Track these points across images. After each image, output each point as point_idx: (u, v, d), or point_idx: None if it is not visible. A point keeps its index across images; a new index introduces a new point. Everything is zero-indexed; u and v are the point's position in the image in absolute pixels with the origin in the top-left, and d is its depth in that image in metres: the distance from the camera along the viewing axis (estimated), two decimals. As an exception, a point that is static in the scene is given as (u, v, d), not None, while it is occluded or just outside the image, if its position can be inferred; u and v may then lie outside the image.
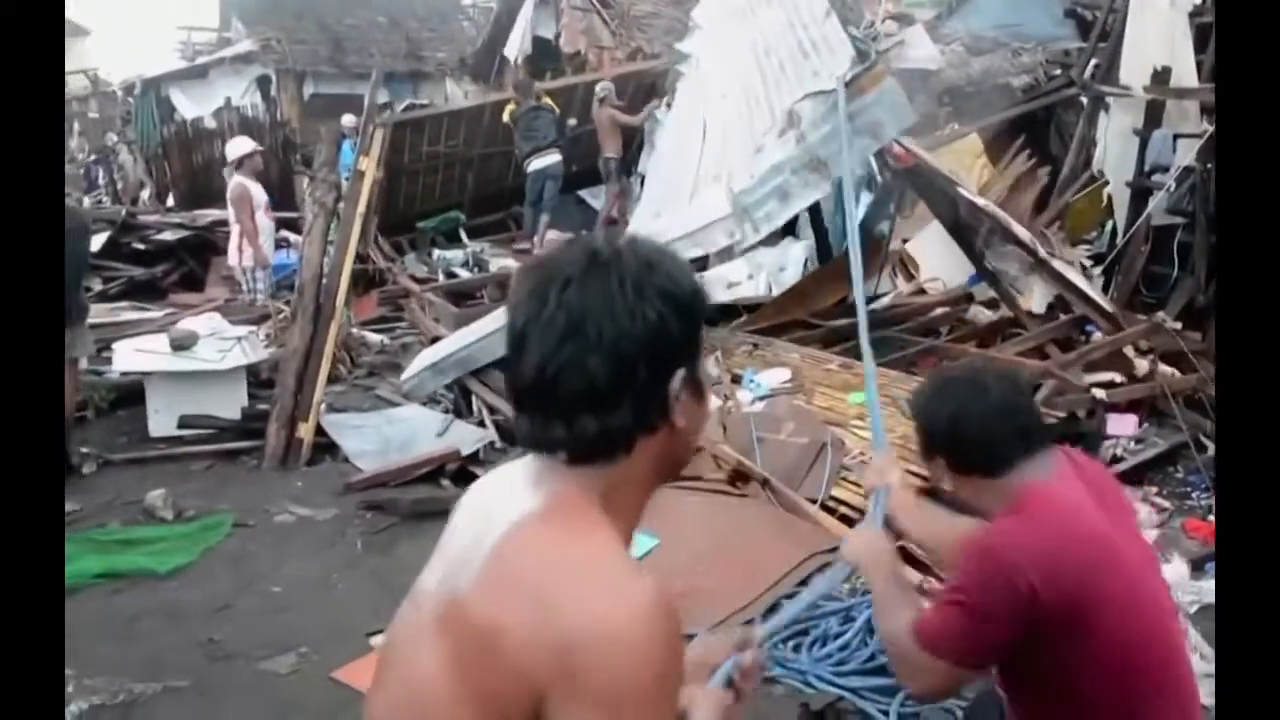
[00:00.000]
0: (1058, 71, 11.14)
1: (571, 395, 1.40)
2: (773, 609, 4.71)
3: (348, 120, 13.90)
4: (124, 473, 6.91)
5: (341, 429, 7.32)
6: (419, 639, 1.46)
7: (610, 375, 1.39)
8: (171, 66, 23.14)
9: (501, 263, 12.51)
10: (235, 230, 10.91)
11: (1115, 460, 6.41)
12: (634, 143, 13.70)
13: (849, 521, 5.41)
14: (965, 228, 7.71)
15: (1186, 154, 7.99)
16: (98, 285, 12.10)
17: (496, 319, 8.08)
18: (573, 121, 14.14)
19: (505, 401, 7.20)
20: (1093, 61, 9.95)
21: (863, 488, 4.50)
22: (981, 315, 8.23)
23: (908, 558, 2.50)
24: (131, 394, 7.86)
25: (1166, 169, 8.15)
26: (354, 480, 6.57)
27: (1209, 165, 7.49)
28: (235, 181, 10.88)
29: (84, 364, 8.38)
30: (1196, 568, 5.10)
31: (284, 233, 12.08)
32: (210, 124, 19.13)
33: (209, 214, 14.38)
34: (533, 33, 17.56)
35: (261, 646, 4.64)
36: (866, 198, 9.50)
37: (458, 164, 14.55)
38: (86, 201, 19.68)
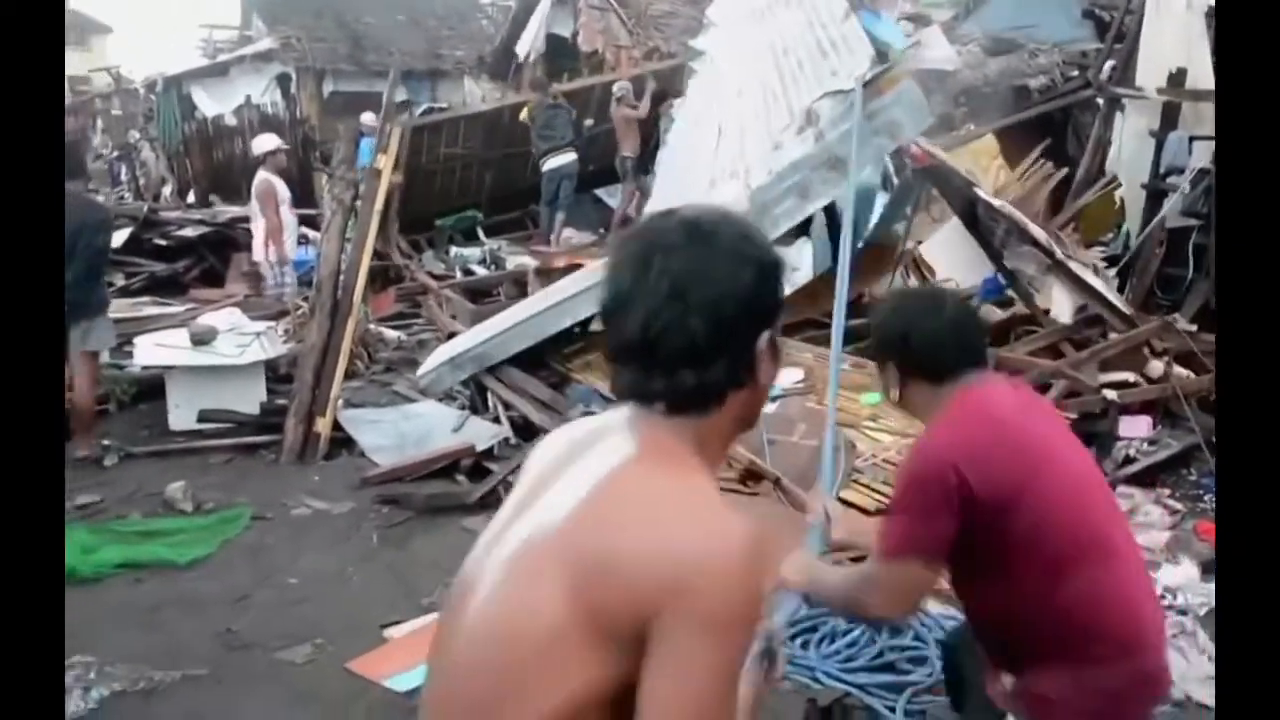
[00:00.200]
0: (1074, 73, 11.13)
1: (673, 351, 1.53)
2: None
3: (367, 118, 13.97)
4: (145, 465, 6.99)
5: (358, 424, 7.40)
6: (519, 572, 1.53)
7: (709, 334, 1.52)
8: (193, 64, 23.25)
9: (518, 260, 12.57)
10: (259, 225, 11.01)
11: (1128, 461, 6.43)
12: (651, 141, 13.74)
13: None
14: (984, 227, 7.72)
15: (1202, 156, 7.98)
16: (119, 280, 12.21)
17: (513, 315, 8.14)
18: (589, 122, 14.20)
19: (520, 398, 7.26)
20: (1109, 63, 9.95)
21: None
22: (994, 314, 8.24)
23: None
24: (152, 388, 7.96)
25: (1182, 171, 8.14)
26: (370, 475, 6.64)
27: (1225, 167, 7.48)
28: (260, 177, 11.00)
29: (106, 357, 8.50)
30: (1207, 570, 5.10)
31: (303, 229, 12.17)
32: (231, 121, 19.27)
33: (229, 210, 14.50)
34: (550, 31, 17.63)
35: (278, 637, 4.71)
36: (883, 198, 9.52)
37: (475, 164, 14.62)
38: (106, 197, 19.81)
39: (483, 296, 11.19)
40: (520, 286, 10.81)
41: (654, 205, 9.98)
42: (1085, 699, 2.45)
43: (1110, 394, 6.49)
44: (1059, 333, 7.27)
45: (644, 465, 1.53)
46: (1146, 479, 6.32)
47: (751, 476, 5.86)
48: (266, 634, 4.75)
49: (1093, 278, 7.30)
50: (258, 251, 11.26)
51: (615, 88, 13.98)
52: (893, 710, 4.00)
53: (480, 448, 6.80)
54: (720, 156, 8.63)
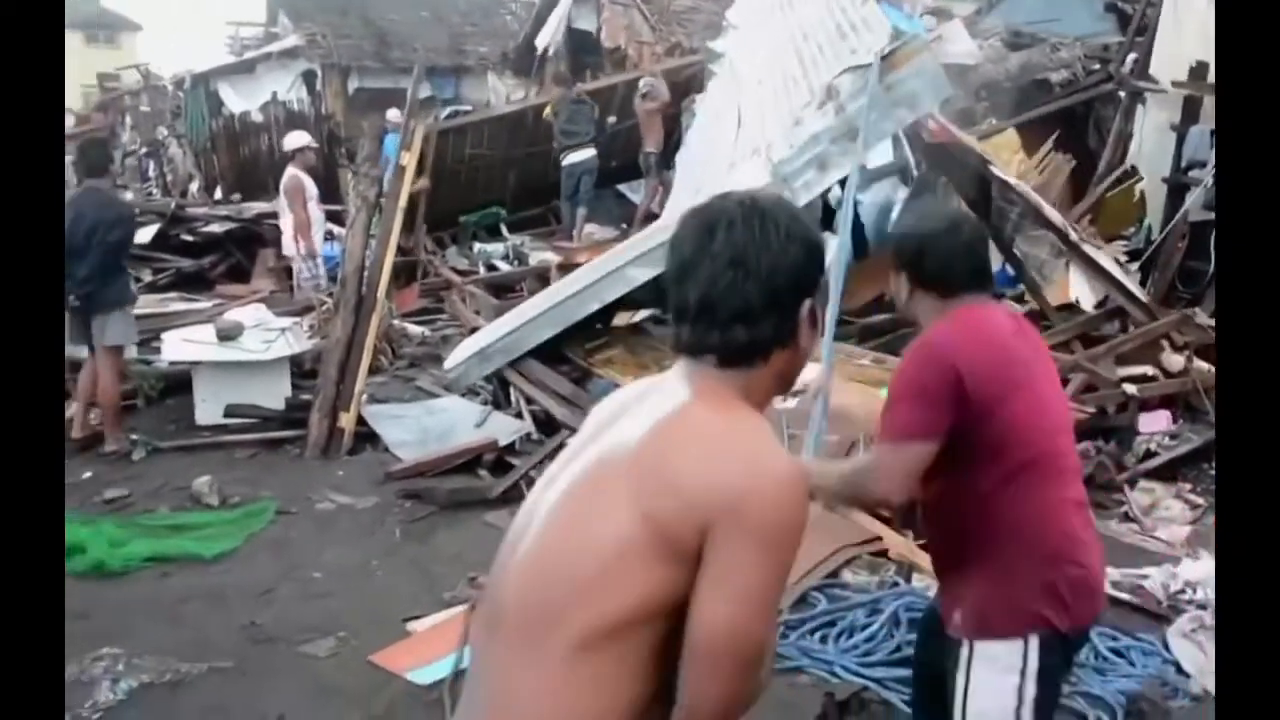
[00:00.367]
0: (1096, 66, 11.08)
1: (730, 310, 1.77)
2: (801, 600, 4.81)
3: (393, 115, 14.05)
4: (172, 460, 7.09)
5: (382, 419, 7.46)
6: (588, 493, 1.74)
7: (762, 298, 1.77)
8: (220, 61, 23.45)
9: (541, 256, 12.61)
10: (288, 221, 11.12)
11: (1149, 455, 6.43)
12: (674, 137, 13.76)
13: (880, 517, 5.47)
14: (995, 213, 7.71)
15: (1224, 150, 7.94)
16: (147, 276, 12.33)
17: (540, 302, 8.17)
18: (612, 119, 14.23)
19: (543, 393, 7.30)
20: (1131, 56, 9.91)
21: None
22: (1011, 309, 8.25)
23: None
24: (180, 383, 8.05)
25: (1203, 165, 8.12)
26: (394, 469, 6.70)
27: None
28: (289, 173, 11.11)
29: (133, 352, 8.61)
30: (1226, 565, 5.10)
31: (329, 225, 12.27)
32: (257, 118, 19.38)
33: (255, 206, 14.59)
34: (573, 26, 17.67)
35: (302, 630, 4.78)
36: (903, 192, 9.51)
37: (499, 163, 14.67)
38: (135, 193, 19.98)
39: (506, 292, 11.24)
40: (543, 282, 10.85)
41: (675, 199, 10.01)
42: (1016, 604, 2.62)
43: (1130, 388, 6.48)
44: (1078, 326, 7.27)
45: (700, 405, 1.75)
46: (1167, 473, 6.32)
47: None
48: (290, 627, 4.81)
49: (1109, 262, 7.28)
50: (287, 246, 11.37)
51: (640, 83, 14.02)
52: (909, 704, 4.02)
53: (503, 443, 6.85)
54: (740, 141, 8.64)
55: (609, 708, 1.67)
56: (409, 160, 8.09)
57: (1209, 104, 8.42)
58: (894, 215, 9.26)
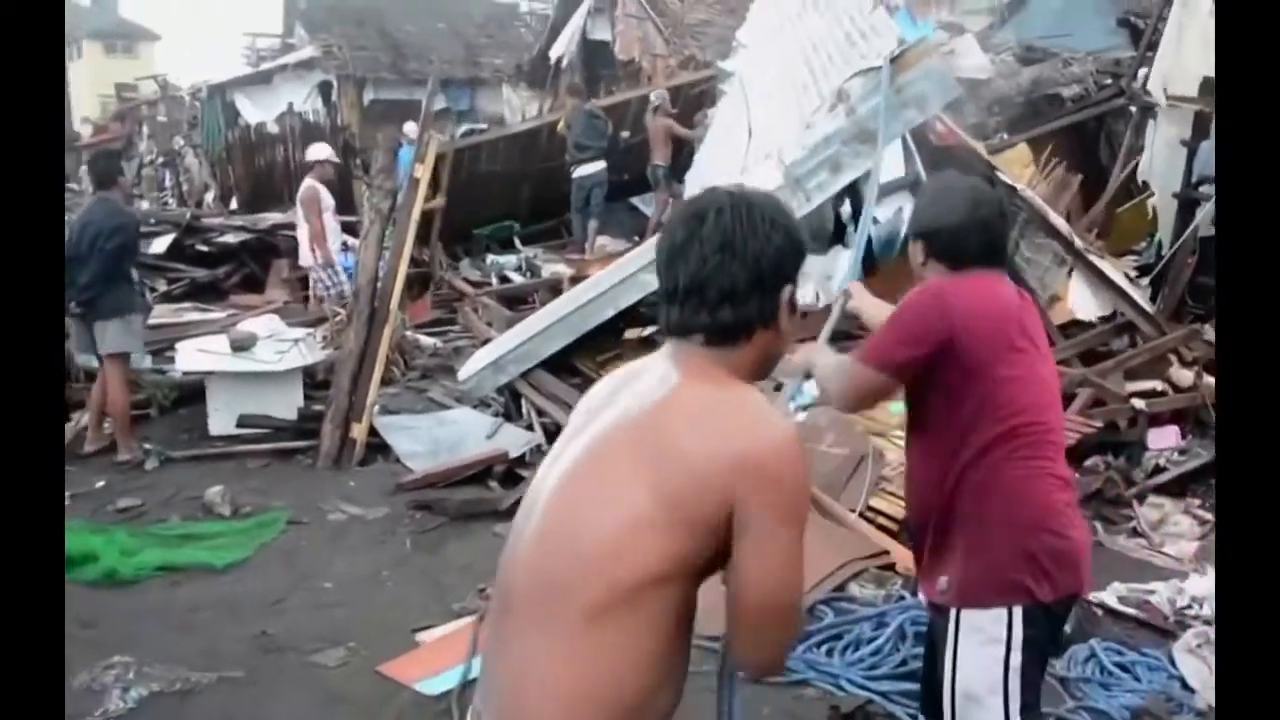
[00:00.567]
0: (1108, 81, 11.08)
1: (718, 291, 1.89)
2: (809, 612, 4.81)
3: (409, 129, 14.11)
4: (184, 469, 7.14)
5: (393, 430, 7.50)
6: (594, 470, 1.85)
7: (748, 279, 1.89)
8: (237, 72, 23.63)
9: (553, 268, 12.66)
10: (304, 231, 11.18)
11: (1157, 471, 6.42)
12: (684, 151, 13.80)
13: (887, 531, 5.50)
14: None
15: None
16: (162, 286, 12.42)
17: (553, 311, 8.20)
18: (625, 134, 14.28)
19: (553, 405, 7.34)
20: (1142, 71, 9.91)
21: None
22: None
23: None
24: (193, 393, 8.10)
25: (1213, 180, 8.11)
26: (405, 480, 6.74)
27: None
28: (306, 184, 11.20)
29: (146, 362, 8.68)
30: (1233, 580, 5.10)
31: (344, 236, 12.32)
32: (273, 129, 19.51)
33: (270, 217, 14.69)
34: (588, 37, 17.74)
35: (312, 640, 4.81)
36: (911, 204, 9.53)
37: (513, 178, 14.71)
38: (152, 203, 20.12)
39: (518, 303, 11.29)
40: (555, 294, 10.89)
41: (692, 190, 10.03)
42: (999, 573, 2.67)
43: (1139, 403, 6.48)
44: (1086, 340, 7.27)
45: (693, 382, 1.87)
46: (1176, 489, 6.31)
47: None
48: (301, 637, 4.85)
49: (1114, 272, 7.28)
50: (304, 257, 11.43)
51: (653, 96, 14.08)
52: (915, 718, 4.04)
53: (514, 454, 6.88)
54: (752, 149, 8.67)
55: (625, 671, 1.77)
56: (423, 172, 8.14)
57: (1221, 119, 8.43)
58: (903, 233, 9.28)
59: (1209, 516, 6.03)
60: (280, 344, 8.15)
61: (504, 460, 6.80)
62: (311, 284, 11.38)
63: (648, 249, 8.38)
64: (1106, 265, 7.42)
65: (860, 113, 7.13)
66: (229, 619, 5.05)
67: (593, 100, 14.42)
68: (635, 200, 14.93)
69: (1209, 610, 4.81)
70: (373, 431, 7.36)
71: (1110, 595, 4.94)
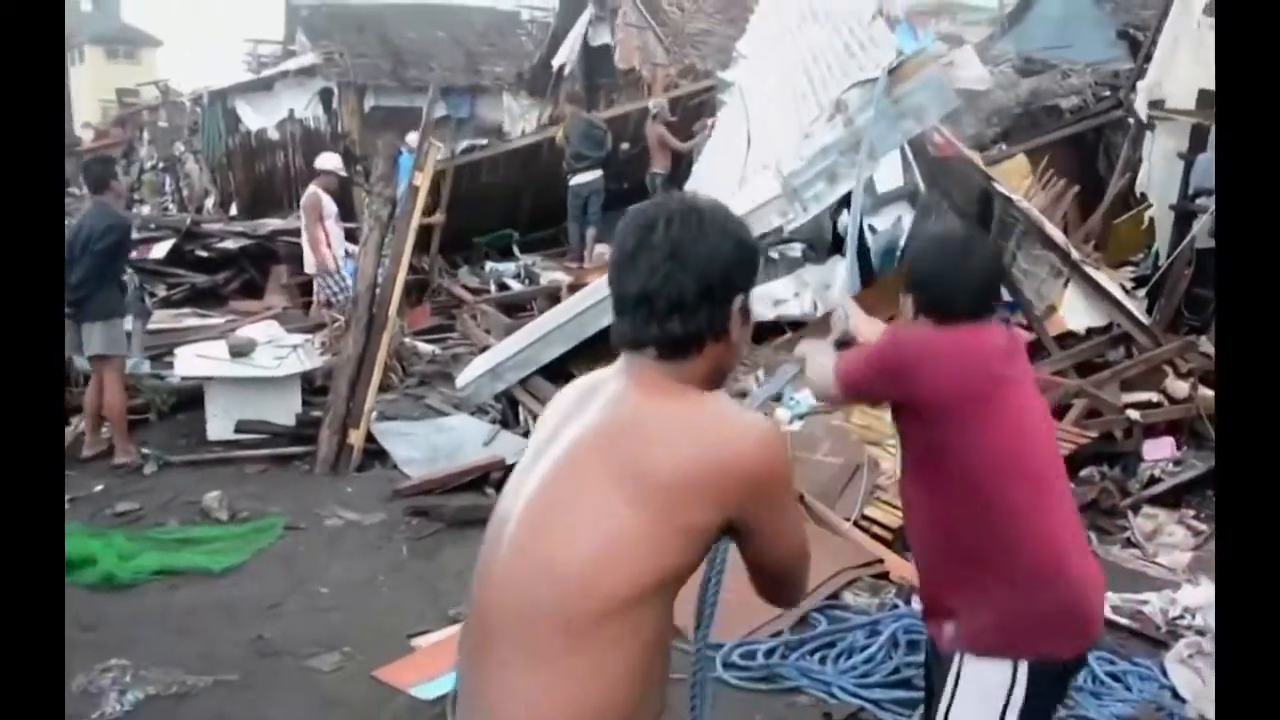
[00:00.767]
0: (1106, 93, 11.13)
1: (667, 302, 1.86)
2: (802, 620, 4.84)
3: (412, 138, 14.11)
4: (183, 474, 7.16)
5: (391, 436, 7.52)
6: (563, 492, 1.83)
7: (696, 290, 1.86)
8: (238, 78, 23.67)
9: (552, 276, 12.69)
10: (307, 237, 11.21)
11: (1153, 481, 6.45)
12: (684, 161, 13.84)
13: (882, 540, 5.52)
14: (998, 230, 7.76)
15: (1231, 177, 7.96)
16: (161, 291, 12.44)
17: (552, 319, 8.22)
18: (625, 145, 14.31)
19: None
20: (1140, 83, 9.96)
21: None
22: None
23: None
24: (192, 398, 8.12)
25: (1210, 192, 8.15)
26: (402, 487, 6.76)
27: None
28: (309, 191, 11.24)
29: (146, 367, 8.72)
30: (1226, 591, 5.12)
31: (346, 244, 12.34)
32: (274, 135, 19.54)
33: (270, 223, 14.71)
34: (589, 44, 17.80)
35: (308, 644, 4.83)
36: (910, 214, 9.57)
37: (512, 188, 14.71)
38: (153, 209, 20.14)
39: (517, 310, 11.31)
40: (554, 301, 10.91)
41: None
42: (1007, 627, 2.62)
43: (1134, 414, 6.51)
44: (1082, 352, 7.29)
45: (650, 396, 1.86)
46: (1170, 500, 6.34)
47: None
48: (297, 641, 4.87)
49: (1110, 283, 7.30)
50: (308, 264, 11.45)
51: (652, 104, 14.12)
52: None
53: (510, 461, 6.87)
54: (750, 158, 8.70)
55: (613, 687, 1.77)
56: (422, 180, 8.17)
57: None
58: (902, 243, 9.31)
59: (1203, 527, 6.06)
60: (279, 350, 8.18)
61: (501, 467, 6.81)
62: (316, 290, 11.39)
63: None
64: (1102, 277, 7.45)
65: (858, 123, 7.17)
66: (226, 623, 5.07)
67: (592, 111, 14.44)
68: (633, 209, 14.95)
69: (1201, 620, 4.84)
70: (370, 438, 7.38)
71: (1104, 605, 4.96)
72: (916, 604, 4.87)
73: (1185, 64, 8.73)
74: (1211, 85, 8.41)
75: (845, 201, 8.07)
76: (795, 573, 2.01)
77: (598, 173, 13.32)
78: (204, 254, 13.43)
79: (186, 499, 6.66)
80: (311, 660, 4.70)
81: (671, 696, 1.93)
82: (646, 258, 1.87)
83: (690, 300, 1.86)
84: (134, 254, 11.76)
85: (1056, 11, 13.63)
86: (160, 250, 13.12)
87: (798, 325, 9.00)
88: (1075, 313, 7.48)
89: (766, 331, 9.02)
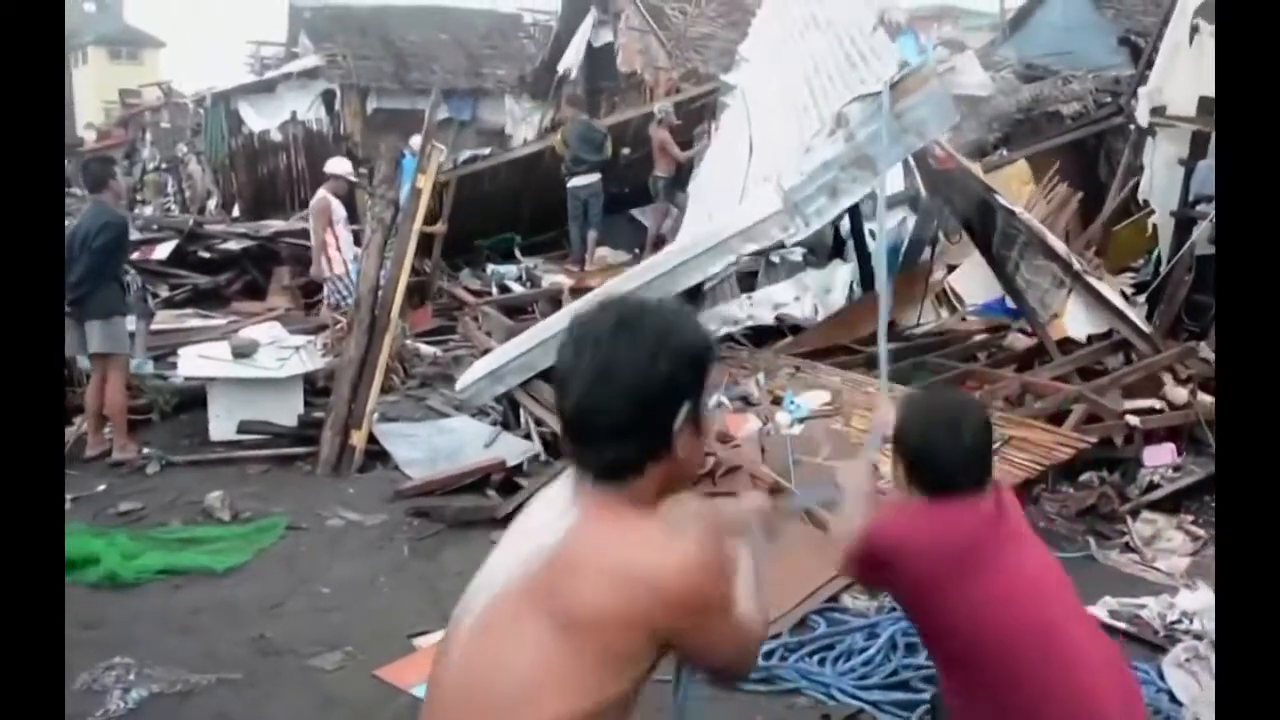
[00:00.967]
0: (1107, 99, 11.16)
1: (598, 428, 1.79)
2: (801, 623, 4.87)
3: (416, 142, 14.13)
4: (185, 474, 7.19)
5: (393, 437, 7.54)
6: (499, 620, 1.81)
7: (629, 414, 1.77)
8: (241, 80, 23.72)
9: (553, 279, 12.72)
10: (316, 240, 11.20)
11: (1152, 487, 6.47)
12: (687, 165, 13.86)
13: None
14: (1000, 240, 7.79)
15: (1232, 184, 7.99)
16: (164, 292, 12.48)
17: (548, 328, 8.25)
18: (626, 150, 14.34)
19: (551, 415, 7.37)
20: (1140, 89, 10.00)
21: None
22: (1019, 341, 8.31)
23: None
24: (194, 398, 8.15)
25: (1210, 199, 8.17)
26: (403, 488, 6.78)
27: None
28: (319, 195, 11.22)
29: (149, 368, 8.75)
30: (1224, 596, 5.14)
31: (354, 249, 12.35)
32: (276, 137, 19.60)
33: (272, 225, 14.75)
34: (592, 45, 17.83)
35: (310, 643, 4.85)
36: (912, 218, 9.61)
37: (514, 193, 14.72)
38: (155, 209, 20.18)
39: (518, 313, 11.34)
40: (555, 304, 10.96)
41: (688, 224, 10.08)
42: None
43: (1133, 419, 6.53)
44: (1082, 358, 7.32)
45: (588, 522, 1.80)
46: (1169, 505, 6.35)
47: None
48: (299, 640, 4.89)
49: (1112, 293, 7.32)
50: (316, 268, 11.42)
51: (657, 108, 14.16)
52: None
53: (511, 463, 6.92)
54: (752, 168, 8.72)
55: None
56: (425, 183, 8.20)
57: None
58: (904, 246, 9.33)
59: (1201, 532, 6.07)
60: (281, 351, 8.20)
61: (502, 469, 6.84)
62: (326, 294, 11.38)
63: (643, 269, 8.44)
64: (1104, 287, 7.47)
65: (859, 138, 7.17)
66: (228, 622, 5.09)
67: (594, 116, 14.46)
68: (635, 212, 14.99)
69: (1199, 625, 4.85)
70: (372, 439, 7.40)
71: (1101, 609, 4.97)
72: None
73: (1186, 70, 8.76)
74: (1211, 92, 8.47)
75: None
76: (736, 666, 1.99)
77: (596, 176, 13.35)
78: (206, 255, 13.47)
79: (189, 499, 6.68)
80: (313, 660, 4.71)
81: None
82: (577, 380, 1.79)
83: (624, 424, 1.78)
84: (136, 255, 11.86)
85: (1058, 18, 13.67)
86: (163, 251, 13.17)
87: (797, 329, 9.04)
88: (1077, 321, 7.51)
89: (768, 334, 9.07)
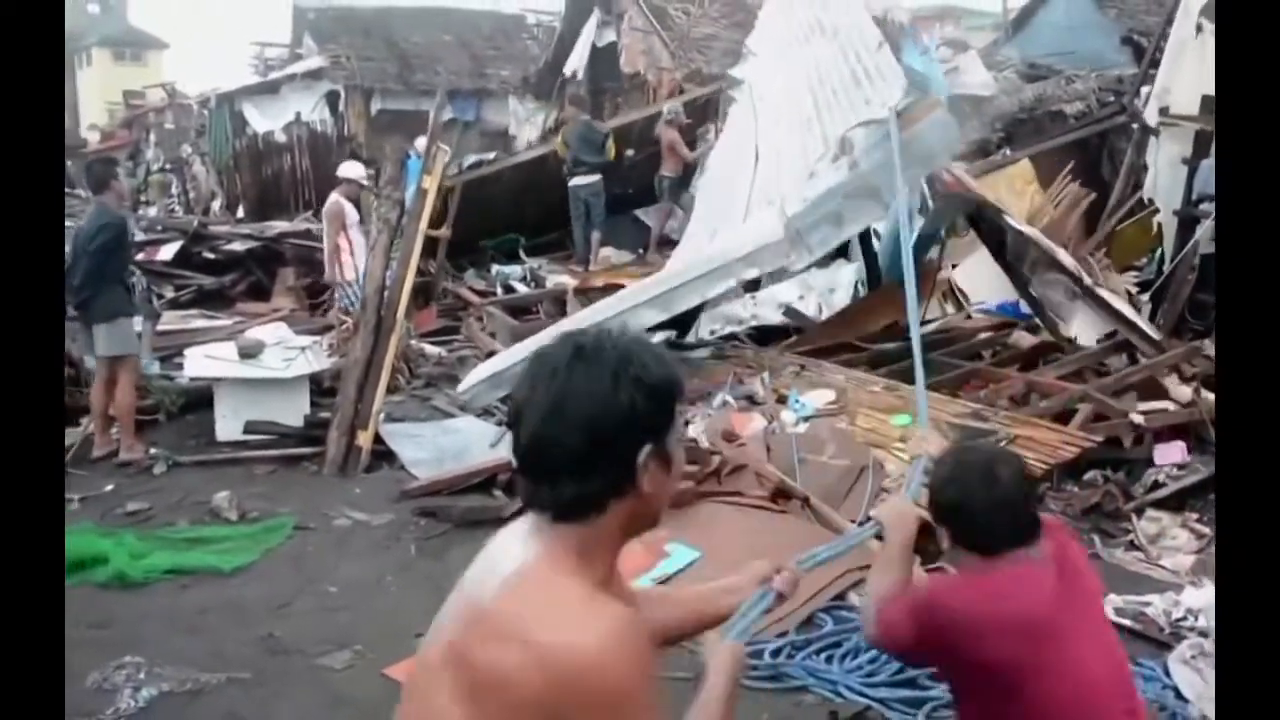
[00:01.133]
0: (1110, 98, 11.17)
1: (554, 463, 1.67)
2: (808, 621, 4.88)
3: (422, 143, 14.13)
4: (192, 474, 7.22)
5: (399, 438, 7.56)
6: (426, 677, 1.72)
7: (586, 448, 1.65)
8: (245, 81, 23.75)
9: (557, 279, 12.74)
10: (329, 244, 11.16)
11: (1156, 486, 6.48)
12: (694, 166, 13.87)
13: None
14: (1012, 252, 7.80)
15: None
16: (169, 293, 12.52)
17: (553, 332, 8.29)
18: (630, 152, 14.35)
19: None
20: (1144, 89, 10.01)
21: (905, 454, 4.82)
22: (1024, 340, 8.32)
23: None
24: (201, 399, 8.18)
25: (1213, 198, 8.19)
26: (409, 488, 6.80)
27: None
28: (332, 199, 11.15)
29: (156, 368, 8.78)
30: (1228, 593, 5.15)
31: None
32: (280, 138, 19.64)
33: (277, 226, 14.78)
34: (596, 45, 17.86)
35: (318, 643, 4.87)
36: (919, 221, 9.61)
37: (518, 195, 14.73)
38: (159, 210, 20.22)
39: (523, 313, 11.37)
40: (560, 305, 10.99)
41: (692, 231, 10.09)
42: None
43: (1137, 418, 6.54)
44: (1087, 358, 7.34)
45: (525, 581, 1.67)
46: (1174, 504, 6.36)
47: (781, 495, 5.97)
48: (307, 640, 4.91)
49: (1121, 304, 7.33)
50: (329, 273, 11.39)
51: (666, 108, 14.19)
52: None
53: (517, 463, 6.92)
54: (757, 183, 8.72)
55: None
56: (431, 183, 8.22)
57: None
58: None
59: (1206, 530, 6.09)
60: (287, 351, 8.22)
61: (507, 469, 6.82)
62: (337, 299, 11.35)
63: (648, 285, 8.45)
64: (1114, 298, 7.47)
65: (864, 167, 7.15)
66: (236, 621, 5.12)
67: (597, 117, 14.46)
68: (639, 212, 15.00)
69: (1204, 622, 4.87)
70: (378, 439, 7.42)
71: (1107, 607, 4.99)
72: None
73: (1190, 70, 8.78)
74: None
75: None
76: None
77: (597, 176, 13.37)
78: (211, 256, 13.51)
79: (196, 499, 6.71)
80: (322, 659, 4.74)
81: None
82: (533, 412, 1.68)
83: (582, 460, 1.66)
84: (141, 256, 11.88)
85: (1060, 17, 13.69)
86: (168, 252, 13.22)
87: (799, 330, 9.05)
88: (1086, 327, 7.53)
89: (772, 334, 9.09)
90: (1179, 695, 4.33)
